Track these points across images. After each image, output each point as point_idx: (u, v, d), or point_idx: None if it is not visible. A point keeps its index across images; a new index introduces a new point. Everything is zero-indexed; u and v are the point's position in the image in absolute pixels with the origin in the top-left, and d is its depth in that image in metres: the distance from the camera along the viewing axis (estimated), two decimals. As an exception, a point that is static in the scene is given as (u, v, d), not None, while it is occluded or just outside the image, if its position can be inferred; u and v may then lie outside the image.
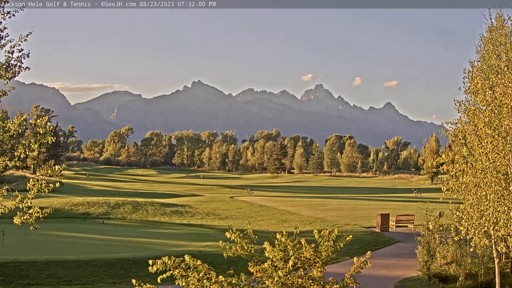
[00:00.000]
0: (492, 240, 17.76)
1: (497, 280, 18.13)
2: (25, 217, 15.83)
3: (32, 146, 15.50)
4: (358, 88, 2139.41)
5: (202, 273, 9.46)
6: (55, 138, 16.04)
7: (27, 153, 15.53)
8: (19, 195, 15.62)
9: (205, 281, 9.42)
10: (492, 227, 16.54)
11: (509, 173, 16.10)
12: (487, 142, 15.92)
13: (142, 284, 9.15)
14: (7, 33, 15.08)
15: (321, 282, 9.77)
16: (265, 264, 9.55)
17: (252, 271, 9.67)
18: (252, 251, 9.96)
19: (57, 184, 15.77)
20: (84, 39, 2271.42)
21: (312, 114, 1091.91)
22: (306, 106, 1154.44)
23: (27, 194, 15.91)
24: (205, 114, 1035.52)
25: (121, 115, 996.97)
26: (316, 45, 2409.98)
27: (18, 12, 15.12)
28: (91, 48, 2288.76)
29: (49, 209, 16.21)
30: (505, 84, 16.20)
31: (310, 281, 9.63)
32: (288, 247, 9.76)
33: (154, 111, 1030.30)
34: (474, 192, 16.32)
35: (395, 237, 32.34)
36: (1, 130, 15.19)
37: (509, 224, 16.47)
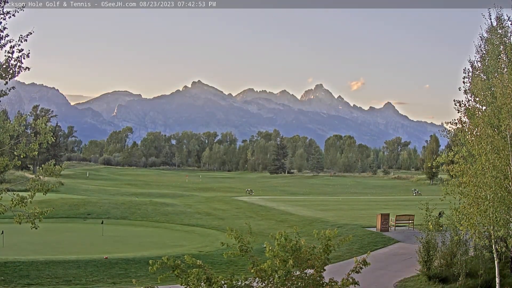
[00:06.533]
0: (492, 240, 17.76)
1: (497, 280, 18.14)
2: (25, 217, 15.83)
3: (32, 146, 15.50)
4: (358, 88, 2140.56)
5: (202, 273, 9.47)
6: (55, 138, 16.06)
7: (27, 153, 15.53)
8: (19, 195, 15.62)
9: (204, 281, 9.43)
10: (492, 227, 16.54)
11: (509, 173, 16.10)
12: (486, 142, 15.92)
13: (142, 284, 9.19)
14: (7, 34, 15.07)
15: (321, 282, 9.77)
16: (265, 264, 9.55)
17: (252, 271, 9.67)
18: (251, 252, 9.97)
19: (58, 185, 15.77)
20: (84, 39, 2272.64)
21: (312, 114, 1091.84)
22: (306, 106, 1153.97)
23: (27, 194, 15.92)
24: (205, 114, 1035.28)
25: (121, 115, 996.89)
26: (317, 44, 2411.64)
27: (18, 12, 15.11)
28: (91, 47, 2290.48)
29: (49, 209, 16.22)
30: (504, 84, 16.20)
31: (310, 281, 9.63)
32: (288, 247, 9.76)
33: (154, 111, 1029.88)
34: (474, 193, 16.31)
35: (395, 237, 32.33)
36: (1, 130, 15.19)
37: (509, 224, 16.48)
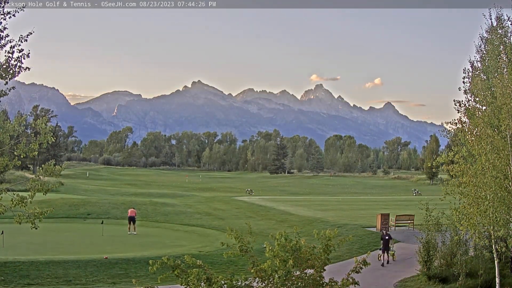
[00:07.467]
0: (492, 240, 17.76)
1: (497, 280, 18.13)
2: (25, 217, 15.83)
3: (32, 146, 15.50)
4: (358, 88, 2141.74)
5: (202, 273, 9.46)
6: (55, 138, 16.08)
7: (27, 153, 15.53)
8: (18, 195, 15.62)
9: (204, 281, 9.43)
10: (492, 227, 16.54)
11: (509, 173, 16.10)
12: (486, 142, 15.91)
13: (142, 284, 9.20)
14: (7, 34, 15.07)
15: (321, 282, 9.77)
16: (265, 264, 9.54)
17: (252, 271, 9.67)
18: (251, 252, 9.96)
19: (58, 185, 15.76)
20: (84, 39, 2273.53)
21: (312, 114, 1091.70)
22: (306, 106, 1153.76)
23: (27, 194, 15.92)
24: (205, 114, 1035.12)
25: (121, 115, 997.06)
26: (316, 45, 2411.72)
27: (18, 12, 15.12)
28: (91, 48, 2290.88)
29: (49, 209, 16.22)
30: (504, 84, 16.20)
31: (310, 281, 9.63)
32: (288, 247, 9.76)
33: (154, 111, 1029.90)
34: (474, 193, 16.31)
35: (395, 237, 32.28)
36: (1, 130, 15.19)
37: (509, 224, 16.48)
